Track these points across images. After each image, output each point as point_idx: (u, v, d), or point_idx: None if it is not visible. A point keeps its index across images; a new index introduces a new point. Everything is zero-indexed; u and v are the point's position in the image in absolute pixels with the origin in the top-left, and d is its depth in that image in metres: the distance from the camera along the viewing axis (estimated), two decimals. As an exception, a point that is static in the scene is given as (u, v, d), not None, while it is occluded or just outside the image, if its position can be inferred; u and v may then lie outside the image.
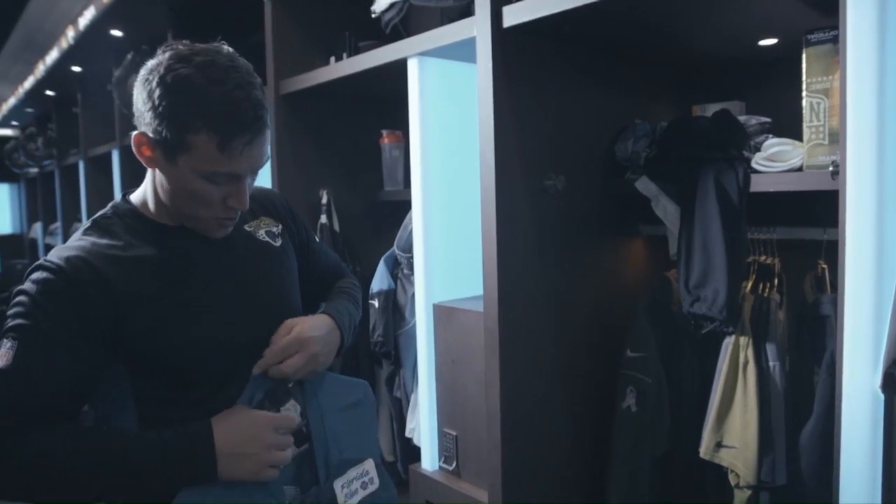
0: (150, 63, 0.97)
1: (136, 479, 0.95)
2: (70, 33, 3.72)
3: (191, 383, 1.03)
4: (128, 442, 0.97)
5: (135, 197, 1.11)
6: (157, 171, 1.02)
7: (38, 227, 6.85)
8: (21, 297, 0.96)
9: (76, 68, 4.24)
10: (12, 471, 0.90)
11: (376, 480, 1.18)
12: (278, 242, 1.18)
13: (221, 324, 1.06)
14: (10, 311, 0.95)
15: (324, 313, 1.19)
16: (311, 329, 1.11)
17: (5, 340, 0.93)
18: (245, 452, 0.99)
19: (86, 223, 1.07)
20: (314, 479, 1.11)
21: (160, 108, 0.94)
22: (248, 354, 1.07)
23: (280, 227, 1.20)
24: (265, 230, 1.17)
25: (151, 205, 1.07)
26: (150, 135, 0.97)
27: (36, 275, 0.97)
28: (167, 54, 0.96)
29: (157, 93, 0.93)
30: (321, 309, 1.21)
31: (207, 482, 0.98)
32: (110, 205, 1.11)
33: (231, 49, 1.00)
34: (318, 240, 1.36)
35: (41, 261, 0.99)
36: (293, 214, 1.27)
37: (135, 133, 0.99)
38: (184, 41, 0.99)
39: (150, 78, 0.95)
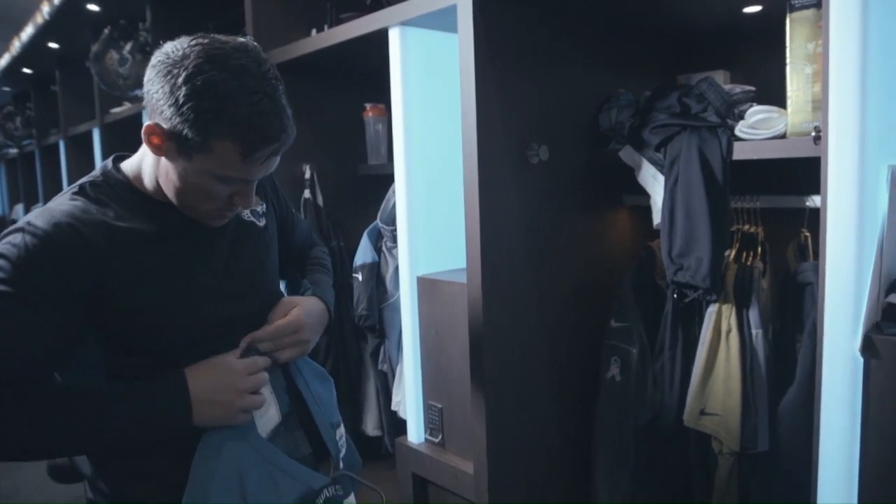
0: (172, 52, 0.92)
1: (108, 430, 0.94)
2: (45, 8, 3.63)
3: (169, 361, 1.01)
4: (100, 394, 0.96)
5: (128, 168, 1.06)
6: (164, 160, 0.98)
7: (19, 209, 6.75)
8: (5, 261, 0.90)
9: (53, 45, 4.15)
10: None
11: (347, 443, 1.23)
12: (262, 222, 1.18)
13: (207, 303, 1.05)
14: None
15: (314, 296, 1.20)
16: (307, 315, 1.13)
17: None
18: (219, 400, 1.00)
19: (72, 187, 1.03)
20: (314, 446, 1.14)
21: (184, 108, 0.89)
22: (227, 334, 1.07)
23: (264, 205, 1.19)
24: (250, 210, 1.16)
25: (148, 182, 1.04)
26: (166, 127, 0.92)
27: (17, 238, 0.92)
28: (196, 49, 0.91)
29: (182, 91, 0.89)
30: (308, 290, 1.21)
31: (182, 428, 0.98)
32: (100, 170, 1.06)
33: (256, 44, 0.97)
34: (293, 211, 1.36)
35: (23, 223, 0.93)
36: (276, 191, 1.27)
37: (147, 123, 0.94)
38: (210, 34, 0.95)
39: (175, 72, 0.90)
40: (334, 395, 1.25)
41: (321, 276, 1.30)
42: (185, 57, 0.90)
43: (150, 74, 0.94)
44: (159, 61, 0.93)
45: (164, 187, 1.01)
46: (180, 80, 0.89)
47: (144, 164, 1.04)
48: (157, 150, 0.96)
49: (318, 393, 1.18)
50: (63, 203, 0.98)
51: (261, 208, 1.18)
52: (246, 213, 1.15)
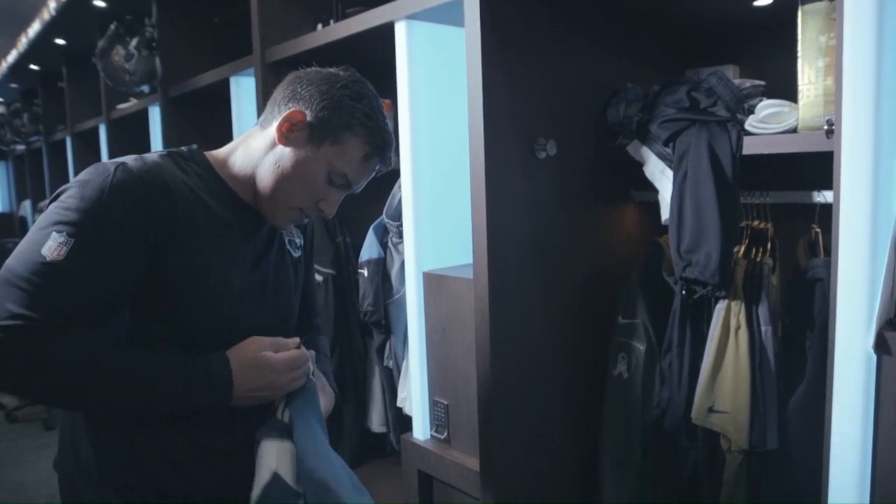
0: (321, 70, 1.12)
1: (148, 399, 0.97)
2: (52, 4, 3.63)
3: (185, 347, 1.03)
4: (152, 363, 0.98)
5: (214, 156, 1.13)
6: (283, 148, 1.07)
7: (26, 205, 6.77)
8: (91, 192, 0.93)
9: (60, 41, 4.15)
10: (41, 366, 0.89)
11: None
12: (297, 254, 1.26)
13: (239, 304, 1.08)
14: (75, 197, 0.93)
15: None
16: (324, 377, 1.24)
17: (58, 233, 0.90)
18: (259, 395, 1.05)
19: (160, 150, 1.09)
20: None
21: (338, 100, 1.06)
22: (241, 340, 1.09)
23: (302, 240, 1.27)
24: (290, 239, 1.24)
25: (238, 168, 1.11)
26: (309, 117, 1.06)
27: (111, 168, 0.96)
28: (346, 73, 1.11)
29: (341, 92, 1.07)
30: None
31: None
32: (185, 147, 1.12)
33: None
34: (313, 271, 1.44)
35: (117, 162, 0.98)
36: (313, 235, 1.36)
37: (294, 108, 1.07)
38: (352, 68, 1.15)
39: (334, 80, 1.09)
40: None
41: (326, 368, 1.33)
42: (337, 74, 1.10)
43: (298, 82, 1.10)
44: (308, 73, 1.11)
45: (265, 174, 1.08)
46: (339, 85, 1.08)
47: (241, 151, 1.12)
48: (283, 138, 1.07)
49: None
50: (154, 157, 1.04)
51: (299, 241, 1.26)
52: (287, 240, 1.22)
